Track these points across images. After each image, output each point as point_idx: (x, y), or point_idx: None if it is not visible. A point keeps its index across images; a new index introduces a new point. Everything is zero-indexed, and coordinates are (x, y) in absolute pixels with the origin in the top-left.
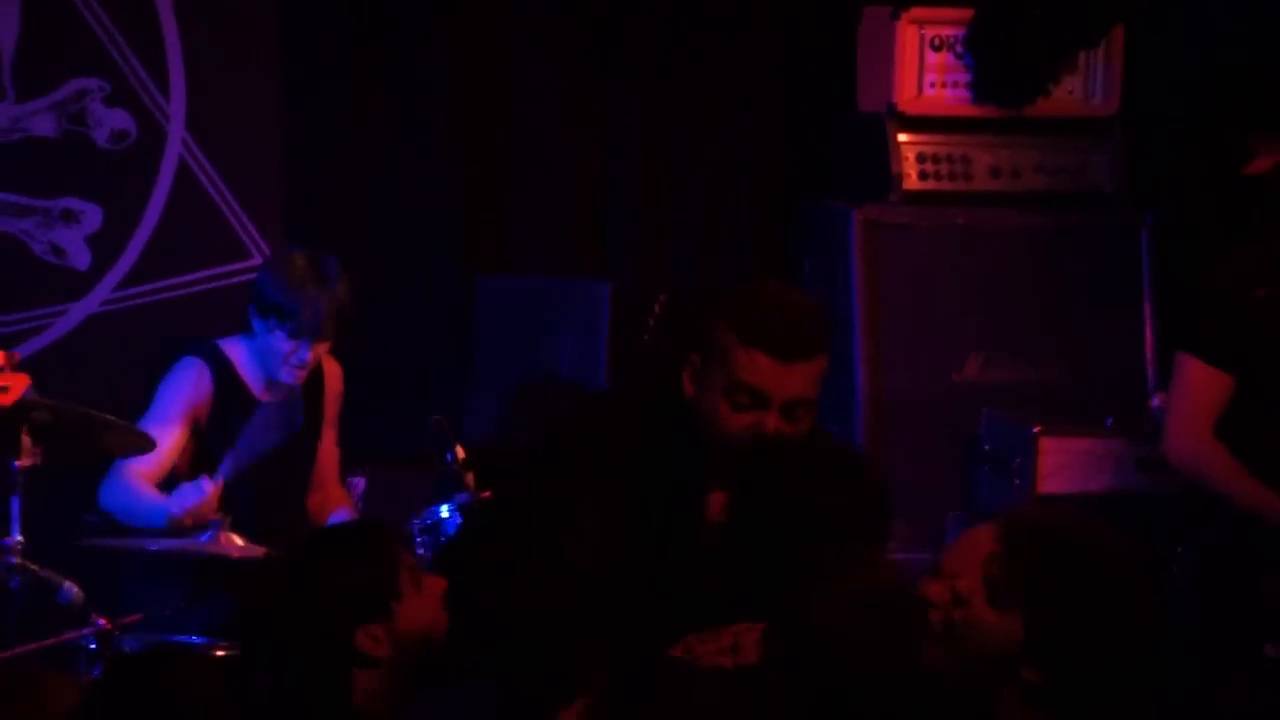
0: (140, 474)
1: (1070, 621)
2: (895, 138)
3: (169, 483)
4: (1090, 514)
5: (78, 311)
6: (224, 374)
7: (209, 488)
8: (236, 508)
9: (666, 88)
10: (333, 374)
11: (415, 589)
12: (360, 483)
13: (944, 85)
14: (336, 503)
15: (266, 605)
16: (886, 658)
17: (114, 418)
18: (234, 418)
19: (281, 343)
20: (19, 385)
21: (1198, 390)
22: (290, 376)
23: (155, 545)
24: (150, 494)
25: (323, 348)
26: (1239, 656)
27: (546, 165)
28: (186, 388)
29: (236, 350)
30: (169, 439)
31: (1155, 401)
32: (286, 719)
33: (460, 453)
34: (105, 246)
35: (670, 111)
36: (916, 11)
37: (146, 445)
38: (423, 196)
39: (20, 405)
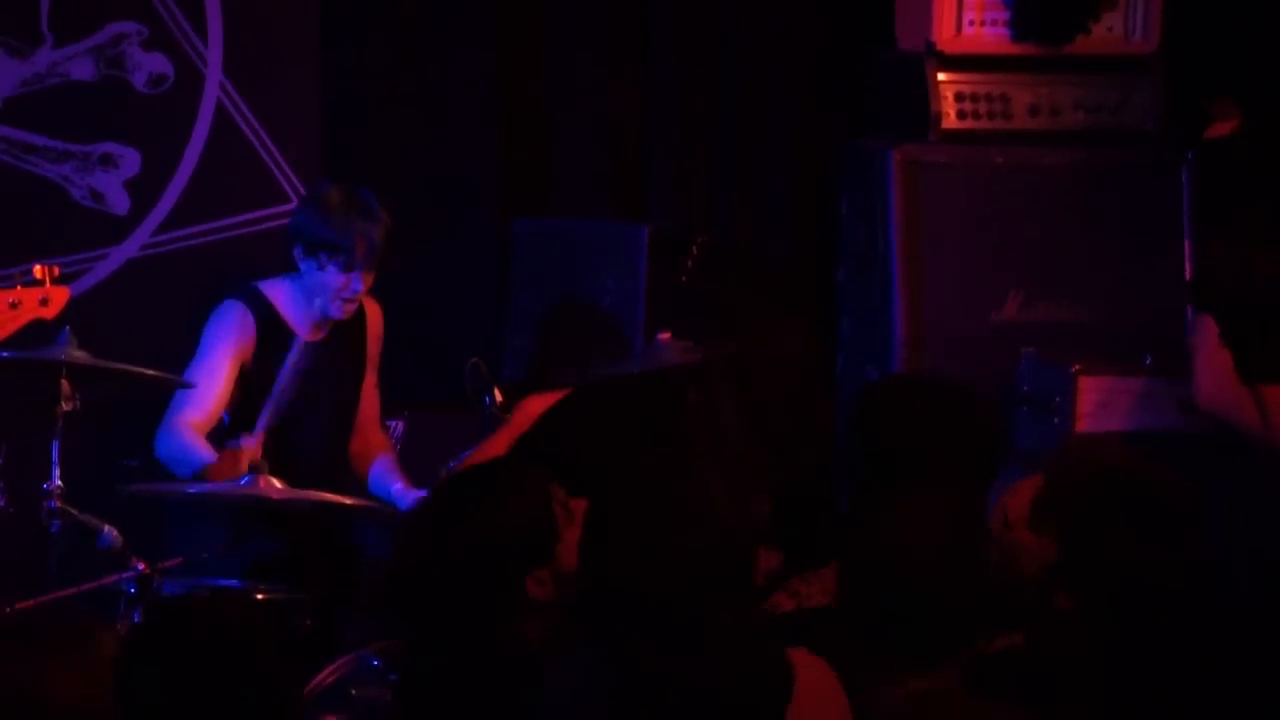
0: (191, 423)
1: (1102, 547)
2: (934, 76)
3: (220, 429)
4: (1143, 451)
5: (117, 256)
6: (266, 316)
7: (248, 440)
8: (278, 451)
9: (703, 27)
10: (374, 315)
11: (569, 523)
12: (399, 426)
13: (983, 23)
14: (378, 447)
15: (419, 561)
16: (953, 577)
17: (153, 370)
18: (278, 360)
19: (334, 277)
20: (59, 298)
21: (1218, 342)
22: (340, 311)
23: (195, 489)
24: (199, 445)
25: (370, 278)
26: (1269, 595)
27: (583, 106)
28: (230, 331)
29: (278, 292)
30: (217, 385)
31: None
32: (448, 681)
33: (498, 396)
34: (144, 191)
35: (707, 52)
36: None
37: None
38: (460, 139)
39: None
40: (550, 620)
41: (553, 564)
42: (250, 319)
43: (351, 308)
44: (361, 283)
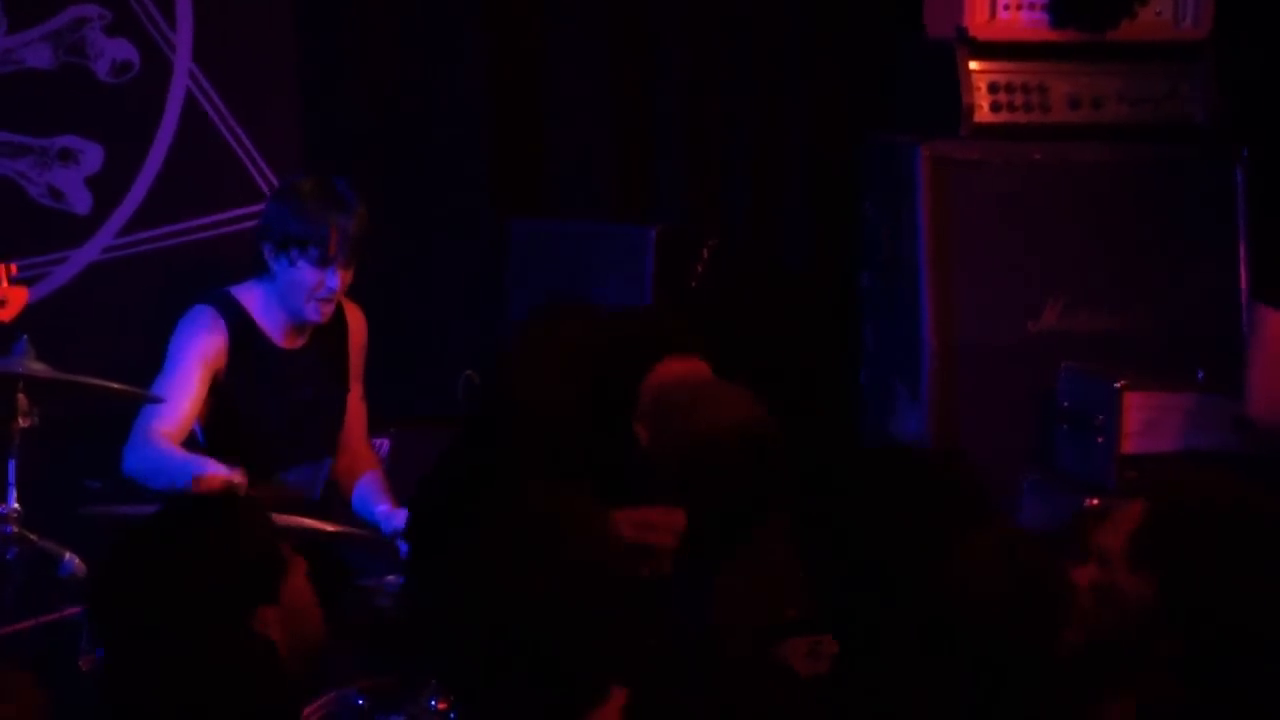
0: (163, 433)
1: (1217, 585)
2: (965, 65)
3: (193, 445)
4: (1249, 479)
5: (78, 259)
6: (239, 322)
7: (239, 479)
8: (259, 467)
9: (714, 14)
10: (356, 321)
11: (292, 565)
12: (385, 444)
13: (1019, 7)
14: (366, 464)
15: (136, 589)
16: (1025, 632)
17: (118, 384)
18: (253, 368)
19: (306, 274)
20: (17, 299)
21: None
22: (315, 313)
23: None
24: (178, 451)
25: (348, 276)
26: None
27: (585, 98)
28: (200, 339)
29: (251, 296)
30: (187, 396)
31: None
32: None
33: None
34: (107, 188)
35: (719, 40)
36: None
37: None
38: (452, 133)
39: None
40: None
41: (279, 604)
42: (221, 324)
43: (329, 309)
44: (338, 280)
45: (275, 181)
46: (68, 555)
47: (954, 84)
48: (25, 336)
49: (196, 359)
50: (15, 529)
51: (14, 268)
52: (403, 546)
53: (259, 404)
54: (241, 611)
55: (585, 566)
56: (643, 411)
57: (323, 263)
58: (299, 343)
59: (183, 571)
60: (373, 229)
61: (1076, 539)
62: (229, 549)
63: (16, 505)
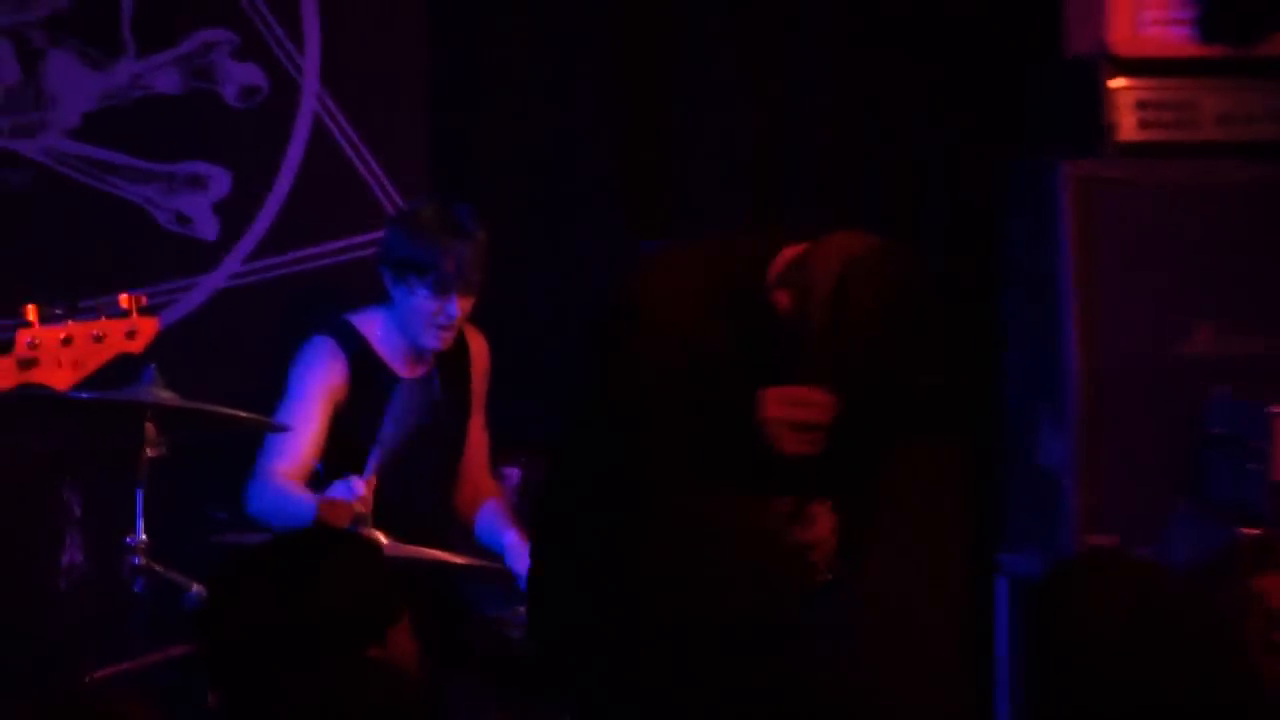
0: (284, 473)
1: None
2: (1109, 83)
3: (316, 479)
4: None
5: (205, 286)
6: (359, 351)
7: (360, 487)
8: (378, 502)
9: (848, 31)
10: (479, 348)
11: (400, 615)
12: (514, 474)
13: (1165, 22)
14: (488, 496)
15: (244, 624)
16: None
17: (246, 413)
18: (375, 399)
19: (425, 302)
20: (147, 330)
21: None
22: (435, 340)
23: None
24: (299, 492)
25: (468, 303)
26: None
27: (715, 119)
28: (319, 371)
29: (372, 324)
30: (309, 431)
31: None
32: None
33: None
34: (234, 214)
35: (855, 59)
36: None
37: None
38: (580, 155)
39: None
40: None
41: (384, 649)
42: (341, 356)
43: (449, 336)
44: (457, 308)
45: (402, 206)
46: (195, 587)
47: (1096, 102)
48: (153, 365)
49: (317, 393)
50: (143, 560)
51: (143, 298)
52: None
53: (380, 434)
54: (349, 649)
55: (747, 578)
56: (781, 278)
57: (440, 290)
58: (420, 370)
59: (293, 608)
60: (492, 255)
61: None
62: (341, 588)
63: (144, 536)
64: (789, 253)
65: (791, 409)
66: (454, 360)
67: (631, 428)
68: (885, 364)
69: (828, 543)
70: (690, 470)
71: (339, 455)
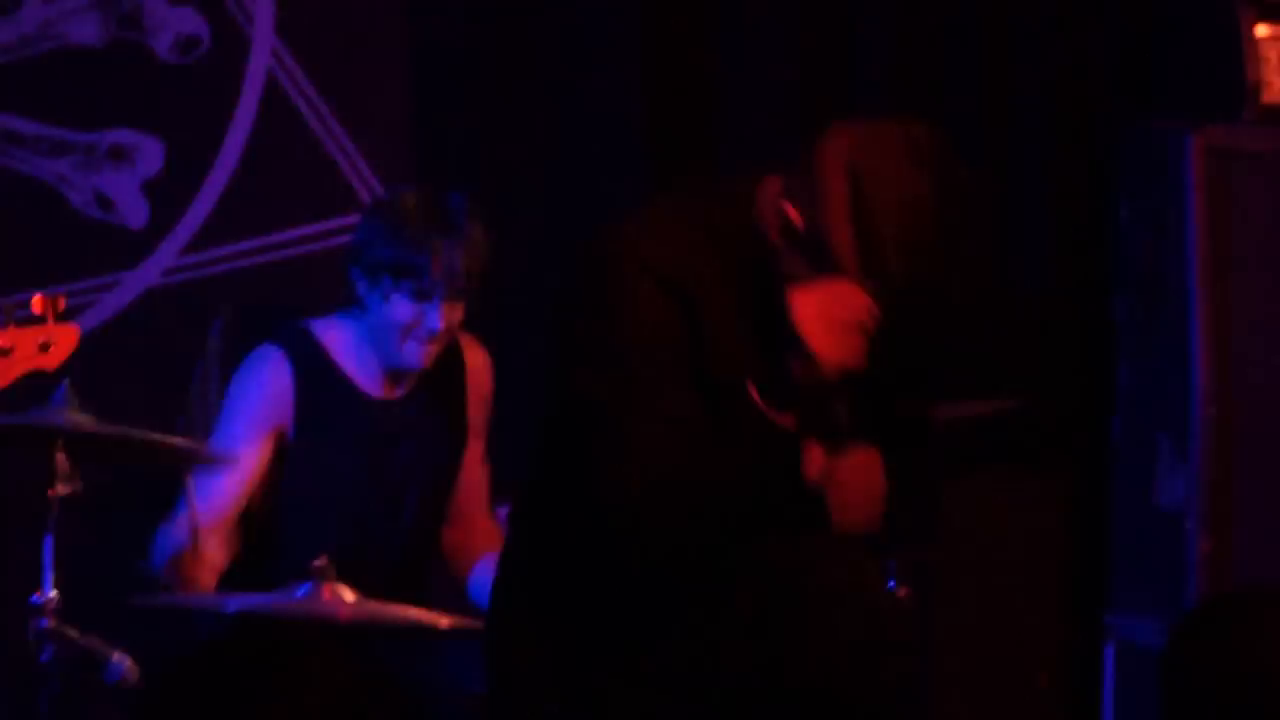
0: (203, 521)
1: None
2: (1251, 31)
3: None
4: None
5: (131, 284)
6: (314, 366)
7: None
8: (345, 547)
9: None
10: (478, 367)
11: None
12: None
13: None
14: (485, 540)
15: None
16: None
17: (179, 439)
18: (330, 424)
19: (401, 309)
20: (66, 341)
21: None
22: (415, 357)
23: (236, 604)
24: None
25: (456, 312)
26: None
27: (763, 84)
28: (255, 390)
29: (336, 333)
30: (237, 467)
31: None
32: None
33: None
34: (168, 196)
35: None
36: None
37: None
38: (597, 137)
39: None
40: None
41: None
42: (286, 370)
43: (431, 352)
44: (440, 318)
45: (378, 186)
46: (116, 656)
47: (1236, 54)
48: (65, 380)
49: (250, 419)
50: (52, 623)
51: (62, 300)
52: None
53: (339, 469)
54: None
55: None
56: (781, 194)
57: (421, 296)
58: (397, 391)
59: None
60: (490, 256)
61: None
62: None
63: (54, 593)
64: (775, 181)
65: (829, 305)
66: (445, 379)
67: (628, 391)
68: (920, 261)
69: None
70: (698, 434)
71: (281, 499)
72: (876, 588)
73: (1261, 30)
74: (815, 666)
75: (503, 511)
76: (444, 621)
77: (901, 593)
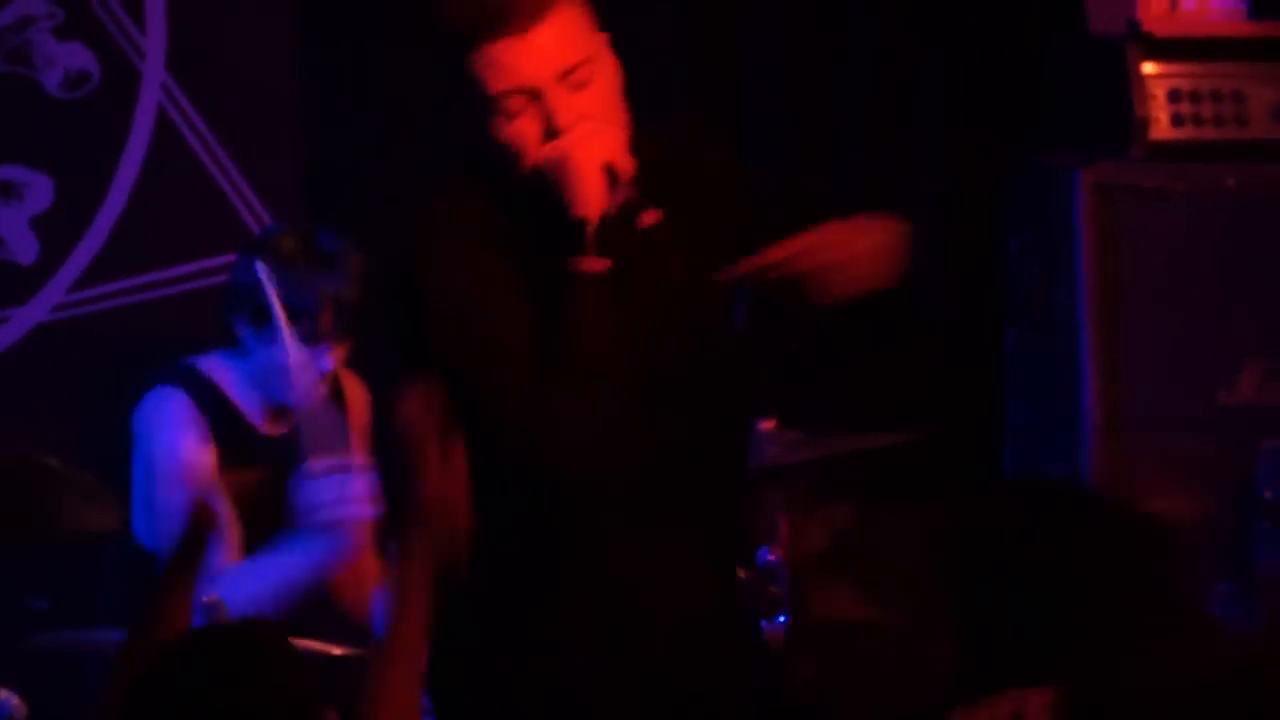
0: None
1: None
2: (1138, 69)
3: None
4: None
5: (21, 320)
6: (210, 404)
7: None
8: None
9: (820, 6)
10: (356, 397)
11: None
12: None
13: None
14: (373, 575)
15: None
16: None
17: (74, 470)
18: (240, 461)
19: (290, 352)
20: None
21: None
22: (304, 398)
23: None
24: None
25: (343, 351)
26: None
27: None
28: (185, 434)
29: (223, 372)
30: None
31: None
32: None
33: None
34: (58, 231)
35: (822, 40)
36: None
37: (108, 520)
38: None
39: None
40: None
41: None
42: (199, 414)
43: (318, 393)
44: (330, 360)
45: (269, 220)
46: (4, 694)
47: (1124, 92)
48: None
49: (195, 454)
50: None
51: None
52: None
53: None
54: None
55: None
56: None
57: (310, 340)
58: (283, 428)
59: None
60: (369, 293)
61: None
62: (254, 704)
63: None
64: None
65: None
66: (324, 413)
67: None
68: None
69: None
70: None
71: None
72: (706, 606)
73: (1149, 68)
74: (637, 680)
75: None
76: (336, 651)
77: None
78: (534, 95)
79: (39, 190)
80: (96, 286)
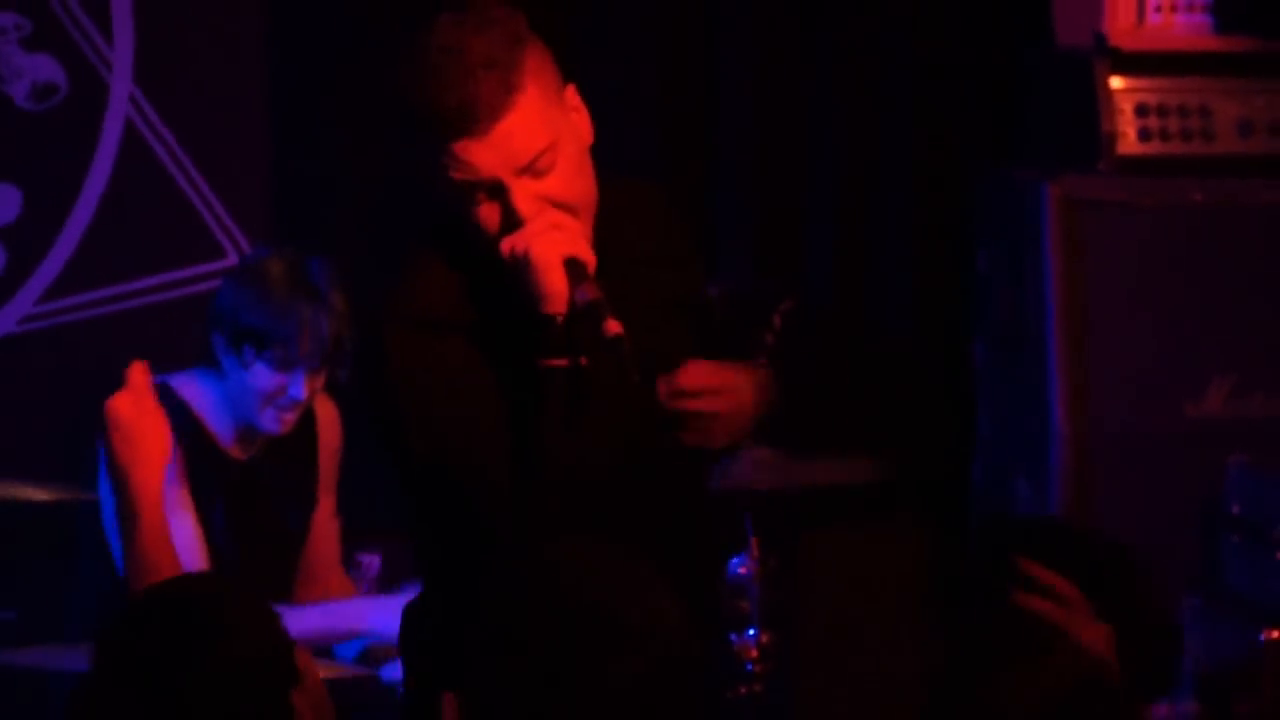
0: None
1: None
2: (1105, 83)
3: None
4: None
5: None
6: (188, 427)
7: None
8: None
9: (787, 18)
10: (328, 420)
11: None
12: (374, 561)
13: (1173, 9)
14: (340, 595)
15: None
16: None
17: (43, 492)
18: (208, 482)
19: (263, 378)
20: None
21: None
22: (274, 423)
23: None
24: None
25: (318, 381)
26: None
27: (629, 128)
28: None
29: (195, 390)
30: (189, 522)
31: None
32: None
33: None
34: (25, 243)
35: (790, 50)
36: None
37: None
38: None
39: None
40: None
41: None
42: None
43: (290, 419)
44: (304, 389)
45: (239, 234)
46: None
47: (1091, 106)
48: None
49: (169, 472)
50: None
51: None
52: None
53: (218, 529)
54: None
55: None
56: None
57: (285, 366)
58: (251, 451)
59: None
60: (349, 322)
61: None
62: (229, 664)
63: None
64: None
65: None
66: (295, 437)
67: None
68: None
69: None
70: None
71: None
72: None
73: (1116, 82)
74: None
75: (362, 560)
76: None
77: (763, 638)
78: (495, 188)
79: (7, 201)
80: (65, 298)
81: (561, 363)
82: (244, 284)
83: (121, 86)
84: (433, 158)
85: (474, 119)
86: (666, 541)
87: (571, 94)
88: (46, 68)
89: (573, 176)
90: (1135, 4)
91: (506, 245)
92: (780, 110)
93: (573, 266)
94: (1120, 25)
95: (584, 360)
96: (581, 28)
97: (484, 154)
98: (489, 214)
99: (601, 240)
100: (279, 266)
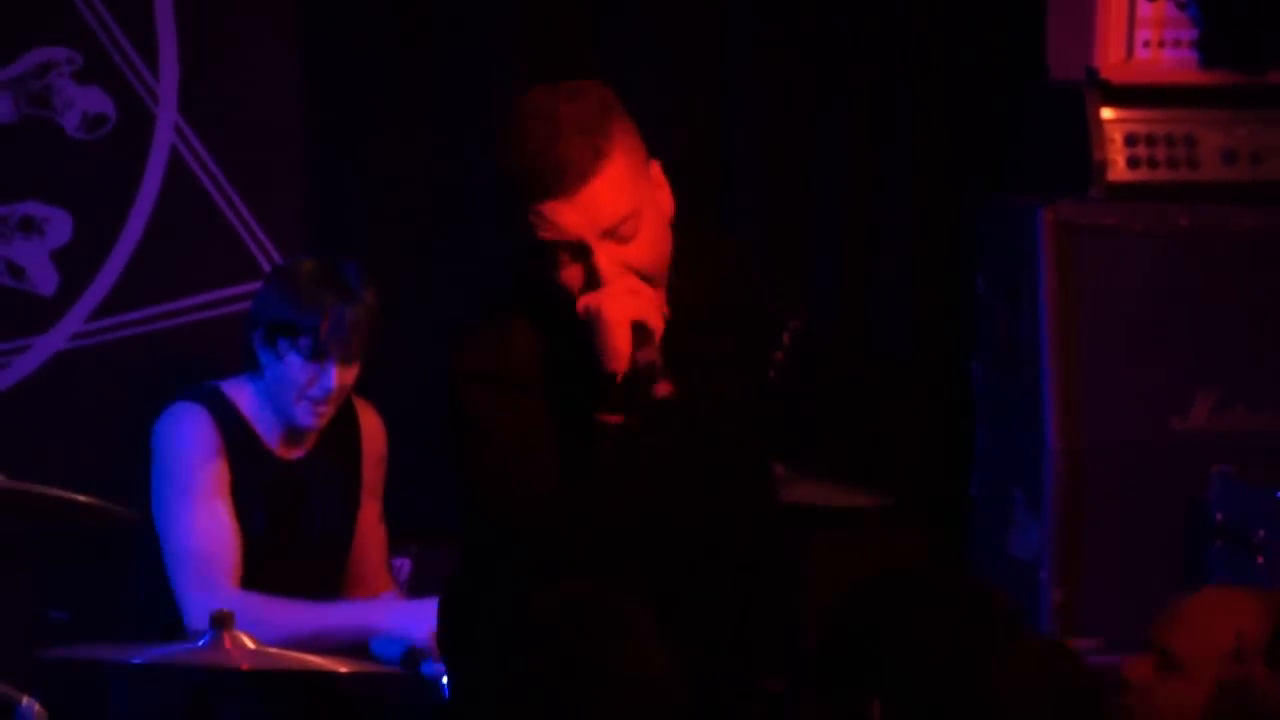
0: (229, 578)
1: None
2: (1096, 114)
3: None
4: None
5: (42, 348)
6: (234, 425)
7: None
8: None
9: (796, 51)
10: (372, 430)
11: None
12: (406, 565)
13: (1161, 44)
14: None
15: None
16: None
17: (88, 497)
18: (252, 485)
19: (296, 369)
20: None
21: None
22: (309, 416)
23: (140, 658)
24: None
25: (350, 374)
26: None
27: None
28: (200, 444)
29: (243, 394)
30: (223, 518)
31: None
32: None
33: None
34: (77, 264)
35: (803, 81)
36: None
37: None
38: (482, 204)
39: None
40: None
41: None
42: (214, 428)
43: (326, 412)
44: (334, 378)
45: (276, 254)
46: (25, 700)
47: (1083, 136)
48: None
49: (210, 471)
50: None
51: None
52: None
53: (259, 529)
54: None
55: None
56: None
57: (315, 356)
58: (297, 453)
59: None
60: (381, 320)
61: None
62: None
63: None
64: None
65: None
66: (340, 441)
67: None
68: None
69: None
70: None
71: None
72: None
73: (1107, 113)
74: None
75: (394, 563)
76: (344, 668)
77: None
78: (580, 249)
79: (59, 225)
80: (113, 316)
81: (616, 419)
82: (276, 282)
83: (167, 116)
84: (521, 218)
85: (563, 180)
86: (705, 593)
87: (656, 169)
88: (96, 99)
89: (653, 246)
90: (1125, 39)
91: (582, 303)
92: (787, 140)
93: (639, 330)
94: (1110, 59)
95: (636, 419)
96: (586, 66)
97: (571, 215)
98: (571, 275)
99: (671, 296)
100: (311, 264)
